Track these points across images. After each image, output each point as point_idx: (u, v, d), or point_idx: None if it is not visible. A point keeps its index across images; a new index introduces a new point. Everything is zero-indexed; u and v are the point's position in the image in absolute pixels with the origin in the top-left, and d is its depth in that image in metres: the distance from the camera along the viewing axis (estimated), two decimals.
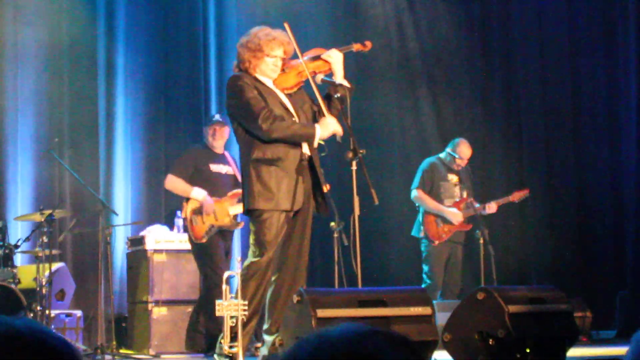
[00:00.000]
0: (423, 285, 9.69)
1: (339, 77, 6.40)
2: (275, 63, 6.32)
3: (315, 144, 6.25)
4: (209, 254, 8.51)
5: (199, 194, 8.53)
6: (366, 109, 11.38)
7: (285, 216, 6.20)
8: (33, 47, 10.34)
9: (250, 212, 6.22)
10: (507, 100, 12.26)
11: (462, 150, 9.85)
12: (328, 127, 6.23)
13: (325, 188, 7.72)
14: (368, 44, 6.76)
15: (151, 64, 10.91)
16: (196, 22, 11.15)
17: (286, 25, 6.40)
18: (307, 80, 6.39)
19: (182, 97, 11.01)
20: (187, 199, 8.63)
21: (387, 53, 12.04)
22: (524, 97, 12.22)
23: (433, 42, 12.11)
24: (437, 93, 12.06)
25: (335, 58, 6.41)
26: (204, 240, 8.46)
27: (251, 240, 6.23)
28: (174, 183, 8.71)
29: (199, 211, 8.50)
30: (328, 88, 6.42)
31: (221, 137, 8.86)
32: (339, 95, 6.37)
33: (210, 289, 8.42)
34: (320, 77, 6.40)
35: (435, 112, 12.01)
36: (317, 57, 6.46)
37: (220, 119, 8.92)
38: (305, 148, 6.30)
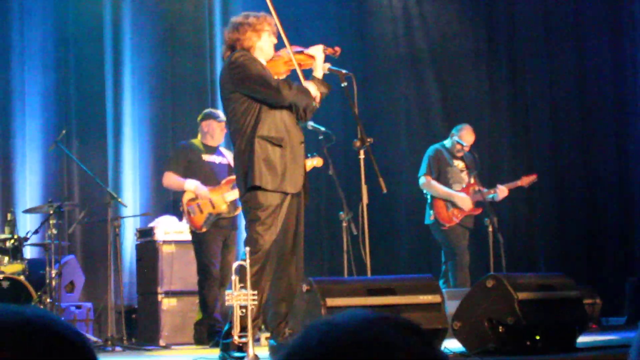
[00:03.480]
0: (442, 273, 9.69)
1: (318, 74, 6.39)
2: (271, 39, 6.35)
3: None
4: (205, 245, 8.56)
5: (191, 184, 8.60)
6: (373, 97, 11.38)
7: (286, 200, 6.17)
8: (39, 41, 10.35)
9: (254, 190, 6.11)
10: (513, 86, 12.24)
11: (465, 136, 9.83)
12: (311, 88, 6.26)
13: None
14: (337, 49, 6.68)
15: (158, 55, 10.91)
16: (202, 17, 11.14)
17: (268, 2, 6.41)
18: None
19: (189, 89, 11.01)
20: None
21: (393, 41, 12.03)
22: (530, 83, 12.20)
23: (438, 29, 12.10)
24: (443, 80, 12.05)
25: (320, 54, 6.40)
26: (204, 230, 8.50)
27: (251, 227, 6.15)
28: (169, 179, 8.80)
29: (195, 201, 8.56)
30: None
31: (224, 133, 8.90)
32: (345, 84, 6.37)
33: (202, 281, 8.56)
34: (327, 65, 6.40)
35: (442, 99, 12.00)
36: (300, 52, 6.46)
37: None
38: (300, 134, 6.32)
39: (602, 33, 12.12)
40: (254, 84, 6.16)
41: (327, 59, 6.46)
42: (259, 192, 6.10)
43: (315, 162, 8.11)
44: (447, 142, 9.96)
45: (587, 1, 12.25)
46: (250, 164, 6.09)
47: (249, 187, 6.12)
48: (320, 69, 6.40)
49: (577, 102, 12.16)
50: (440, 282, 9.46)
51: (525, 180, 10.08)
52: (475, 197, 9.75)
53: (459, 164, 9.89)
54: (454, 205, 9.73)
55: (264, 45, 6.34)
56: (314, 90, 6.28)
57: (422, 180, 9.82)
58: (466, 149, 9.83)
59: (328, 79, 6.45)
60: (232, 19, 6.49)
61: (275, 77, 6.37)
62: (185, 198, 8.62)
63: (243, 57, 6.22)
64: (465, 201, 9.71)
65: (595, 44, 12.14)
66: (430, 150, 9.94)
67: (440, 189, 9.72)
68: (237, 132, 6.22)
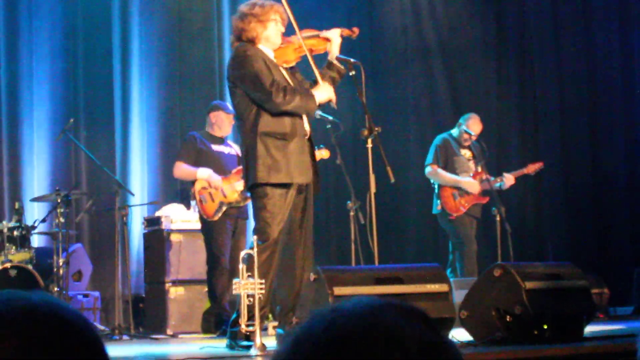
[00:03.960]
0: (449, 262, 9.68)
1: (333, 57, 6.39)
2: (279, 28, 6.32)
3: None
4: (215, 234, 8.56)
5: (203, 172, 8.59)
6: (381, 87, 11.37)
7: (292, 191, 6.17)
8: (48, 29, 10.35)
9: (257, 186, 6.17)
10: (521, 77, 12.22)
11: (472, 125, 9.81)
12: (323, 93, 6.22)
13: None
14: (355, 30, 6.67)
15: (166, 44, 10.90)
16: (210, 6, 11.12)
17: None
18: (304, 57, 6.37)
19: (197, 78, 11.00)
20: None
21: (402, 32, 12.01)
22: (539, 73, 12.18)
23: (447, 19, 12.08)
24: (451, 70, 12.03)
25: (337, 38, 6.39)
26: (215, 218, 8.50)
27: (258, 216, 6.18)
28: (180, 169, 8.78)
29: (207, 189, 8.56)
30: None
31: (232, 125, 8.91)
32: (353, 73, 6.36)
33: (211, 270, 8.57)
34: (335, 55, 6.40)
35: (450, 89, 11.98)
36: (314, 36, 6.43)
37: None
38: (307, 125, 6.28)
39: (612, 24, 12.09)
40: (250, 83, 6.14)
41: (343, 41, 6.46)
42: (265, 186, 6.12)
43: (322, 153, 8.11)
44: (455, 132, 9.94)
45: None
46: (254, 163, 6.10)
47: (254, 183, 6.15)
48: (337, 53, 6.38)
49: (586, 93, 12.14)
50: (448, 271, 9.45)
51: (532, 168, 10.07)
52: (482, 186, 9.73)
53: (466, 153, 9.87)
54: (461, 195, 9.71)
55: (270, 35, 6.30)
56: (327, 94, 6.24)
57: (428, 169, 9.80)
58: (473, 138, 9.82)
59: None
60: (240, 6, 6.47)
61: (284, 65, 6.36)
62: (198, 186, 8.62)
63: (245, 53, 6.21)
64: (472, 185, 9.69)
65: (604, 34, 12.11)
66: (438, 139, 9.92)
67: (446, 176, 9.70)
68: (242, 127, 6.26)
